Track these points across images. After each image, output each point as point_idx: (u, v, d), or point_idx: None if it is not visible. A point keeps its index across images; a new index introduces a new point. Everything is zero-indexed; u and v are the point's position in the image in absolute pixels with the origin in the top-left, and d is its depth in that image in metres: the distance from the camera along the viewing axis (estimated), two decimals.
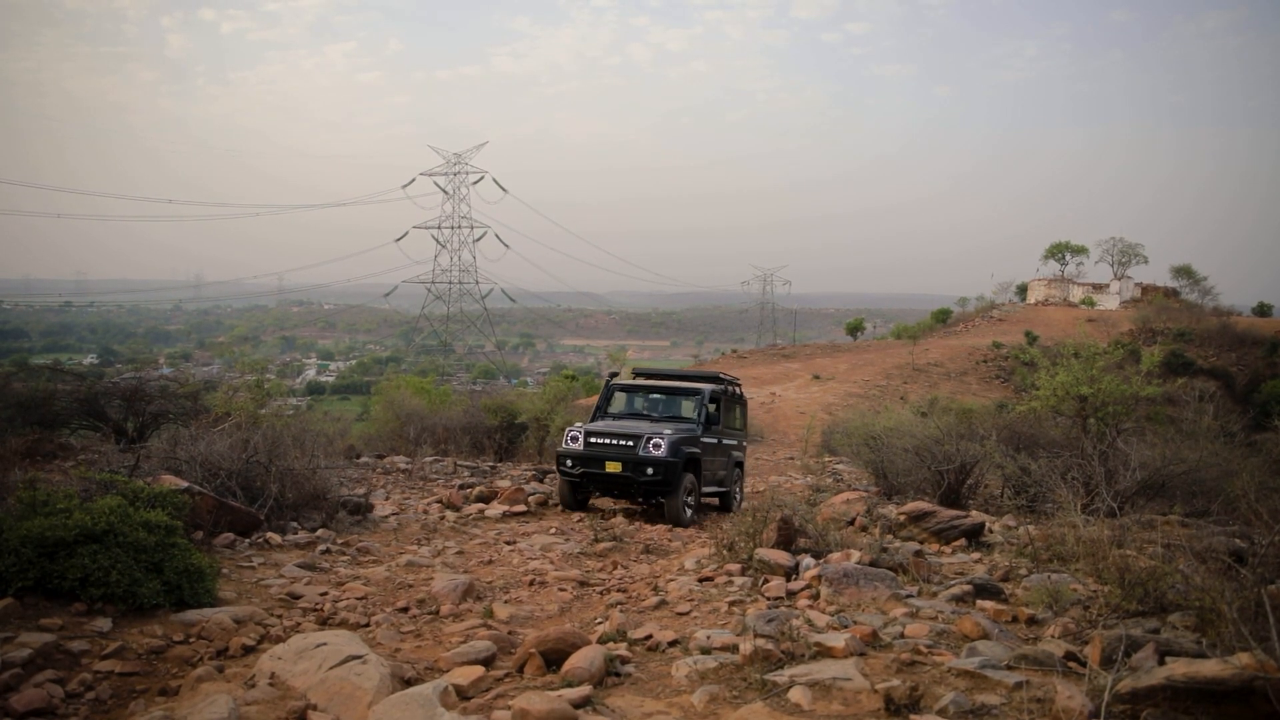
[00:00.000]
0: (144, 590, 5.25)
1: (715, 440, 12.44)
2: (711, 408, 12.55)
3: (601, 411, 12.85)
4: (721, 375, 13.70)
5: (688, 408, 12.47)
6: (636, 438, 11.10)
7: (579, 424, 11.90)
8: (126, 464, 8.73)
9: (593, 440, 11.35)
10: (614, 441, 11.23)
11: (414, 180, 75.15)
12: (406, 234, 75.30)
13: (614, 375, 13.83)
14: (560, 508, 11.58)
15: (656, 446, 10.96)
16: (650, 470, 10.91)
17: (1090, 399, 14.85)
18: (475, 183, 74.97)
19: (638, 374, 14.10)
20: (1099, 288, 65.25)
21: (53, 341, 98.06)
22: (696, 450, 11.56)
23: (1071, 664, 4.16)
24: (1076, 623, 4.93)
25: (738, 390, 14.16)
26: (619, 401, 13.19)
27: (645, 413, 12.80)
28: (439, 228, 75.26)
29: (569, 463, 11.26)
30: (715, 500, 13.15)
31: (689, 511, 11.25)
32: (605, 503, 12.09)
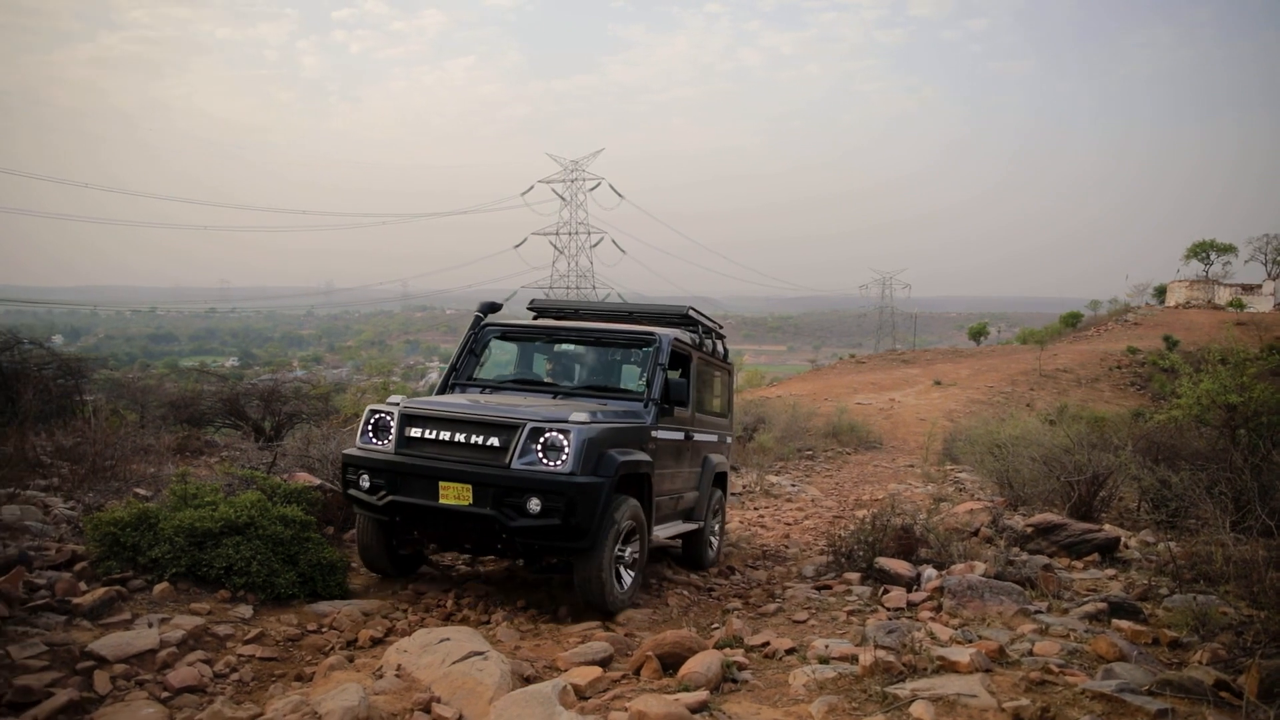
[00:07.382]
0: (281, 581, 5.57)
1: (681, 435, 6.95)
2: (674, 374, 6.76)
3: (460, 377, 6.95)
4: (693, 313, 7.65)
5: (629, 374, 6.85)
6: (510, 428, 5.50)
7: (397, 397, 6.06)
8: (264, 461, 9.23)
9: (414, 434, 5.71)
10: (460, 437, 5.57)
11: (532, 188, 76.84)
12: (525, 240, 77.00)
13: (492, 308, 7.27)
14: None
15: (553, 448, 5.39)
16: (537, 503, 5.33)
17: (1240, 408, 13.85)
18: (592, 189, 76.08)
19: (539, 311, 8.00)
20: (1249, 289, 60.83)
21: (199, 345, 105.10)
22: (645, 457, 6.03)
23: (1224, 694, 3.87)
24: (1228, 649, 4.59)
25: (720, 344, 8.31)
26: (500, 358, 7.28)
27: (550, 382, 6.99)
28: (557, 234, 76.67)
29: (366, 481, 5.79)
30: (675, 545, 7.66)
31: (624, 583, 5.93)
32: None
